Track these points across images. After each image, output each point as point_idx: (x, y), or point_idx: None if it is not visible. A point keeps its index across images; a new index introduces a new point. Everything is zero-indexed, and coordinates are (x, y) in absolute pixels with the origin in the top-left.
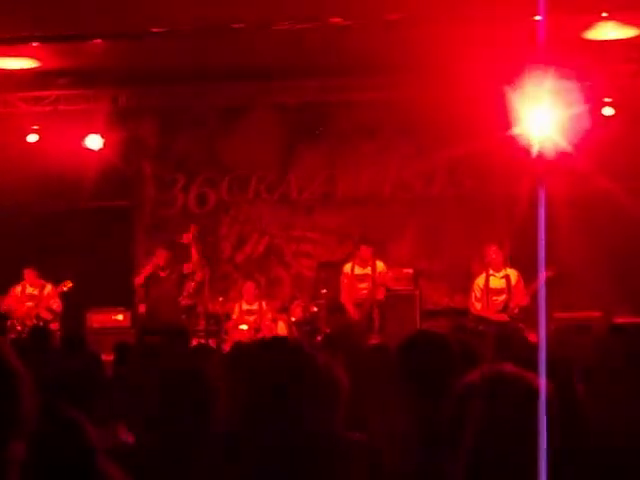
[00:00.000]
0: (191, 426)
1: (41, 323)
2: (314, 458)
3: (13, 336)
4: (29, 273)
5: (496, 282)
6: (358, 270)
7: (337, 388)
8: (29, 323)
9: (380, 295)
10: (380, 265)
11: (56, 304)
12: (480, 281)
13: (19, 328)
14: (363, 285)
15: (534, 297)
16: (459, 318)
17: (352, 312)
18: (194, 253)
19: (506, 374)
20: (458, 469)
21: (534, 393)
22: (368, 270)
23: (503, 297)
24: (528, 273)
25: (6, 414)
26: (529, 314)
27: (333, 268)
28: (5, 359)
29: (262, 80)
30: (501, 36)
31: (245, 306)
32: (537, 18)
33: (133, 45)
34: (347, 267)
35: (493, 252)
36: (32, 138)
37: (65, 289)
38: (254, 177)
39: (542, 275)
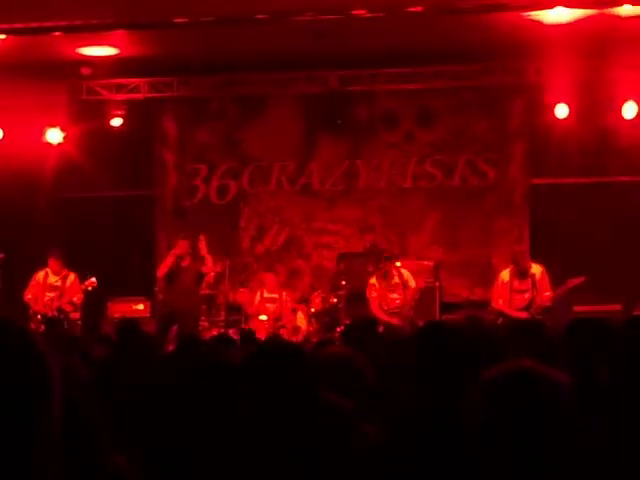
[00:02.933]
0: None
1: (61, 315)
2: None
3: (33, 326)
4: (53, 259)
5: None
6: (386, 282)
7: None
8: (49, 314)
9: (413, 301)
10: (406, 273)
11: (78, 297)
12: (504, 276)
13: (39, 318)
14: (394, 295)
15: (558, 301)
16: (478, 311)
17: (389, 320)
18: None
19: (527, 369)
20: (478, 461)
21: (555, 388)
22: (396, 279)
23: (527, 295)
24: (547, 265)
25: (39, 401)
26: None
27: (353, 260)
28: (36, 344)
29: (283, 70)
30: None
31: (266, 294)
32: None
33: (155, 35)
34: (373, 280)
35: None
36: (53, 131)
37: (90, 289)
38: (275, 168)
39: (570, 282)
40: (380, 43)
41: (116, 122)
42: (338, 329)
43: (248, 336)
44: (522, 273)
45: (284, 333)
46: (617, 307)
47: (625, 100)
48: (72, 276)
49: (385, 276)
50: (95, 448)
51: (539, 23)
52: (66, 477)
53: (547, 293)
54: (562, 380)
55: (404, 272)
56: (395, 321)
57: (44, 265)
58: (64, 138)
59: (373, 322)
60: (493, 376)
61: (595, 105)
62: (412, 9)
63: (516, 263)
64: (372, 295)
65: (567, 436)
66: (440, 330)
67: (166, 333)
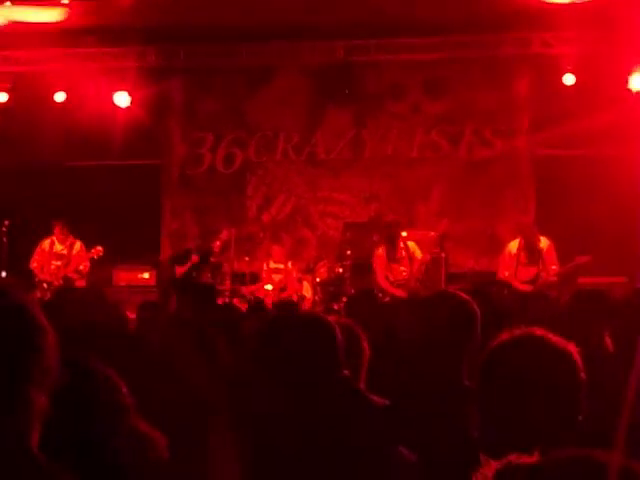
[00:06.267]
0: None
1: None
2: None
3: (39, 294)
4: (58, 228)
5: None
6: (392, 254)
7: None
8: (55, 283)
9: (420, 273)
10: (412, 245)
11: (84, 266)
12: (512, 247)
13: (45, 286)
14: (402, 268)
15: (564, 278)
16: (483, 281)
17: (395, 292)
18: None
19: (536, 336)
20: (486, 425)
21: (563, 355)
22: (402, 252)
23: (534, 268)
24: (553, 236)
25: (30, 367)
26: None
27: (359, 229)
28: (30, 313)
29: (290, 40)
30: None
31: (273, 264)
32: None
33: (162, 3)
34: (380, 251)
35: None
36: (61, 95)
37: (95, 257)
38: (281, 137)
39: (577, 260)
40: (387, 13)
41: (122, 98)
42: (343, 299)
43: (257, 305)
44: (531, 250)
45: None
46: (621, 279)
47: (631, 71)
48: (78, 244)
49: (392, 246)
50: (110, 413)
51: None
52: (82, 442)
53: (554, 267)
54: (571, 349)
55: (410, 244)
56: (401, 293)
57: (50, 233)
58: (71, 106)
59: (371, 293)
60: (504, 342)
61: (601, 76)
62: None
63: (525, 238)
64: (378, 265)
65: (575, 402)
66: (444, 299)
67: (168, 301)
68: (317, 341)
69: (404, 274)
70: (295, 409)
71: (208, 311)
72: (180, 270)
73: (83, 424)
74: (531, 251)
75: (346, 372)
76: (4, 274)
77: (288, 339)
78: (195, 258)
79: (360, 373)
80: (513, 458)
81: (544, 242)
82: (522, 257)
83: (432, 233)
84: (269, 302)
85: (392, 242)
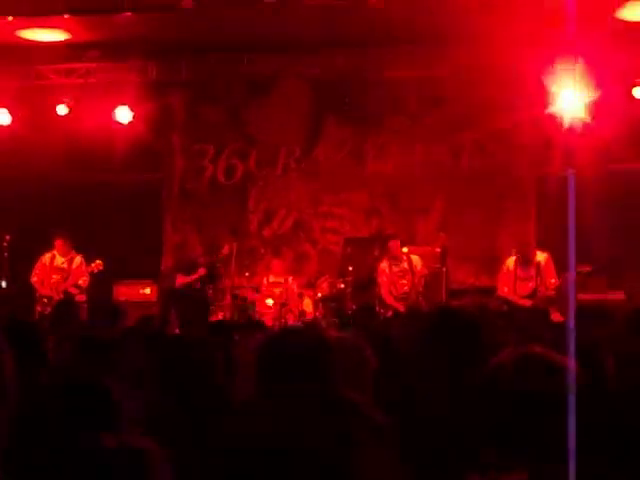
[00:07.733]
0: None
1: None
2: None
3: (39, 309)
4: (59, 243)
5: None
6: (395, 267)
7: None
8: (56, 297)
9: (421, 287)
10: (415, 258)
11: (84, 280)
12: (509, 264)
13: (45, 301)
14: (403, 281)
15: (562, 289)
16: (483, 298)
17: (397, 306)
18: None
19: (536, 354)
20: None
21: (563, 373)
22: (405, 265)
23: (532, 283)
24: (556, 253)
25: None
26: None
27: (360, 244)
28: None
29: (291, 52)
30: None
31: (272, 278)
32: None
33: (162, 17)
34: (383, 265)
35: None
36: (63, 110)
37: (95, 271)
38: (282, 150)
39: (574, 271)
40: (387, 26)
41: (123, 113)
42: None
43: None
44: (527, 265)
45: (290, 318)
46: (620, 296)
47: (634, 84)
48: (78, 258)
49: (394, 259)
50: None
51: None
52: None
53: (552, 280)
54: (570, 366)
55: (413, 257)
56: (402, 307)
57: (51, 247)
58: (73, 120)
59: (372, 307)
60: (505, 360)
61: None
62: None
63: (521, 254)
64: (382, 279)
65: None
66: (452, 315)
67: (168, 315)
68: (312, 356)
69: (406, 288)
70: (293, 426)
71: (202, 325)
72: (182, 280)
73: (90, 432)
74: (527, 266)
75: (345, 389)
76: (4, 284)
77: (284, 355)
78: (202, 271)
79: (366, 387)
80: (503, 478)
81: (541, 256)
82: (519, 272)
83: (434, 249)
84: (269, 317)
85: (390, 254)
